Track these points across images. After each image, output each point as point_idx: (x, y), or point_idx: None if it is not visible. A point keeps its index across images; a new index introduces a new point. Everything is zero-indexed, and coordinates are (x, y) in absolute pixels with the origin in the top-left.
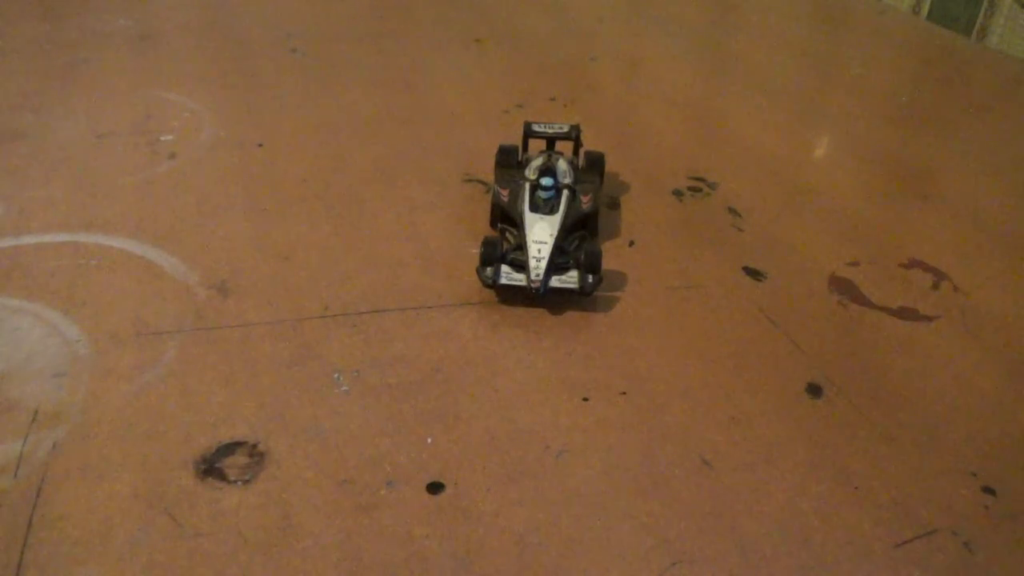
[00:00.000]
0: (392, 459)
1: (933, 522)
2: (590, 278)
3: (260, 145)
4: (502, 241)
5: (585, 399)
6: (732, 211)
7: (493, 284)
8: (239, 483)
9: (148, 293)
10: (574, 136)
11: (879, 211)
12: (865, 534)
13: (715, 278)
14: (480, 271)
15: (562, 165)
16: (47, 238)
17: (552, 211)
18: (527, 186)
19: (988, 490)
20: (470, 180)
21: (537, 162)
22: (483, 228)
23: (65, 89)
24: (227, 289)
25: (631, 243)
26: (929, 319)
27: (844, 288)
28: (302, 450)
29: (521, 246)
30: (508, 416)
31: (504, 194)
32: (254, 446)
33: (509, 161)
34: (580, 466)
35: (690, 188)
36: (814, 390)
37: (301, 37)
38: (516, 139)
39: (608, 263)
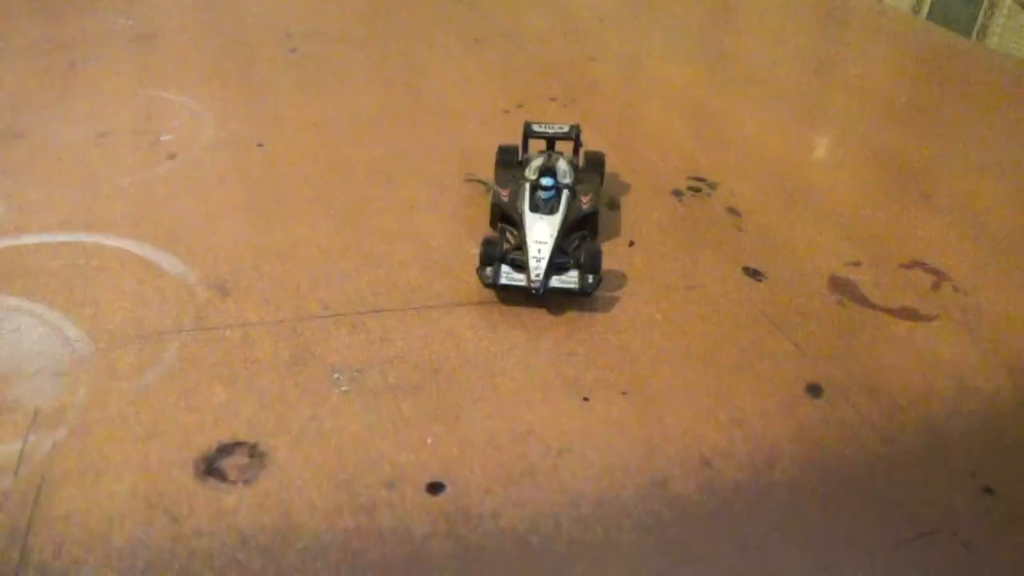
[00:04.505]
0: (392, 459)
1: (933, 522)
2: (590, 278)
3: (260, 145)
4: (502, 241)
5: (585, 399)
6: (732, 211)
7: (493, 284)
8: (239, 483)
9: (148, 293)
10: (574, 136)
11: (879, 211)
12: (865, 534)
13: (715, 278)
14: (480, 271)
15: (562, 165)
16: (47, 238)
17: (552, 211)
18: (527, 186)
19: (988, 490)
20: (470, 180)
21: (537, 162)
22: (483, 228)
23: (65, 89)
24: (227, 289)
25: (631, 243)
26: (929, 319)
27: (844, 288)
28: (302, 450)
29: (521, 246)
30: (508, 416)
31: (504, 194)
32: (254, 446)
33: (509, 161)
34: (580, 466)
35: (690, 188)
36: (814, 390)
37: (301, 37)
38: (516, 139)
39: (608, 263)
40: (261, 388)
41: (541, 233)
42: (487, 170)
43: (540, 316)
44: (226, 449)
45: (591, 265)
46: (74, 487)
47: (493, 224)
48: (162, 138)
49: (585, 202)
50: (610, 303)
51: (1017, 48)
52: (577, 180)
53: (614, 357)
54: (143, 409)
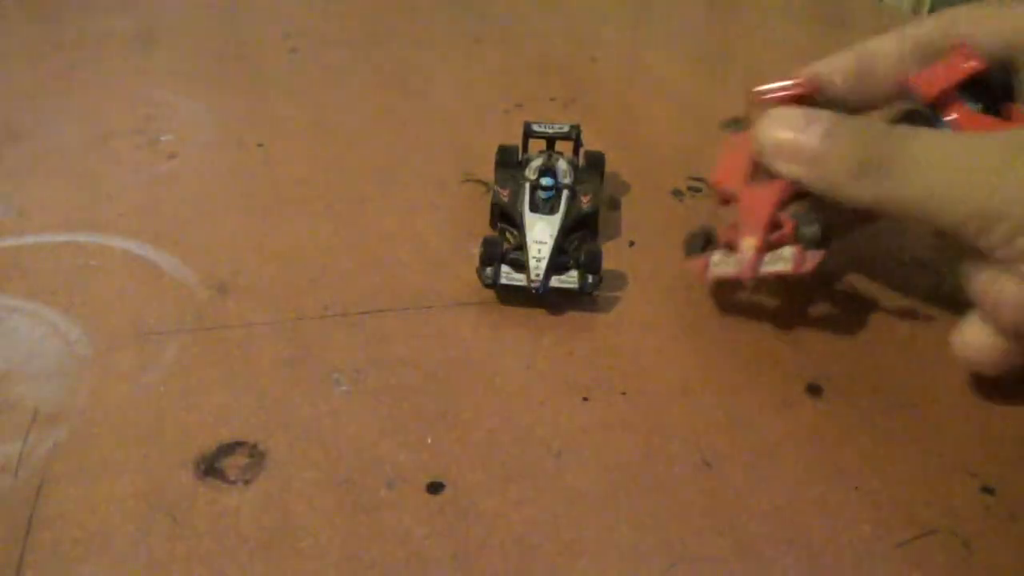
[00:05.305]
0: (392, 459)
1: (933, 522)
2: (590, 278)
3: (260, 145)
4: (502, 241)
5: (585, 399)
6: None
7: (493, 284)
8: (239, 483)
9: (148, 293)
10: (574, 136)
11: None
12: (865, 534)
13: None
14: (480, 271)
15: (562, 165)
16: (47, 238)
17: (552, 211)
18: (527, 186)
19: (988, 490)
20: (470, 180)
21: (537, 162)
22: (483, 228)
23: (65, 89)
24: (227, 289)
25: (631, 243)
26: (930, 319)
27: (844, 288)
28: (302, 450)
29: (521, 246)
30: (508, 416)
31: (504, 194)
32: (254, 446)
33: (509, 161)
34: (580, 466)
35: (690, 188)
36: (814, 390)
37: (301, 37)
38: (516, 139)
39: (608, 263)
40: (261, 388)
41: (541, 233)
42: (487, 170)
43: (540, 316)
44: (226, 449)
45: (591, 265)
46: (74, 487)
47: (493, 224)
48: (162, 138)
49: (585, 202)
50: (610, 303)
51: None
52: (577, 180)
53: (614, 357)
54: (143, 409)
